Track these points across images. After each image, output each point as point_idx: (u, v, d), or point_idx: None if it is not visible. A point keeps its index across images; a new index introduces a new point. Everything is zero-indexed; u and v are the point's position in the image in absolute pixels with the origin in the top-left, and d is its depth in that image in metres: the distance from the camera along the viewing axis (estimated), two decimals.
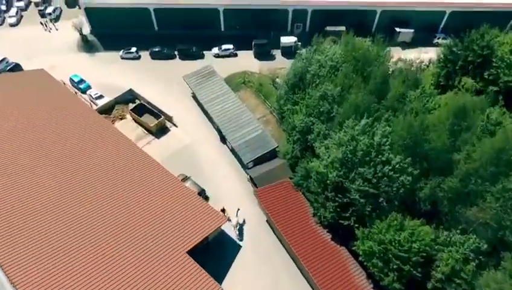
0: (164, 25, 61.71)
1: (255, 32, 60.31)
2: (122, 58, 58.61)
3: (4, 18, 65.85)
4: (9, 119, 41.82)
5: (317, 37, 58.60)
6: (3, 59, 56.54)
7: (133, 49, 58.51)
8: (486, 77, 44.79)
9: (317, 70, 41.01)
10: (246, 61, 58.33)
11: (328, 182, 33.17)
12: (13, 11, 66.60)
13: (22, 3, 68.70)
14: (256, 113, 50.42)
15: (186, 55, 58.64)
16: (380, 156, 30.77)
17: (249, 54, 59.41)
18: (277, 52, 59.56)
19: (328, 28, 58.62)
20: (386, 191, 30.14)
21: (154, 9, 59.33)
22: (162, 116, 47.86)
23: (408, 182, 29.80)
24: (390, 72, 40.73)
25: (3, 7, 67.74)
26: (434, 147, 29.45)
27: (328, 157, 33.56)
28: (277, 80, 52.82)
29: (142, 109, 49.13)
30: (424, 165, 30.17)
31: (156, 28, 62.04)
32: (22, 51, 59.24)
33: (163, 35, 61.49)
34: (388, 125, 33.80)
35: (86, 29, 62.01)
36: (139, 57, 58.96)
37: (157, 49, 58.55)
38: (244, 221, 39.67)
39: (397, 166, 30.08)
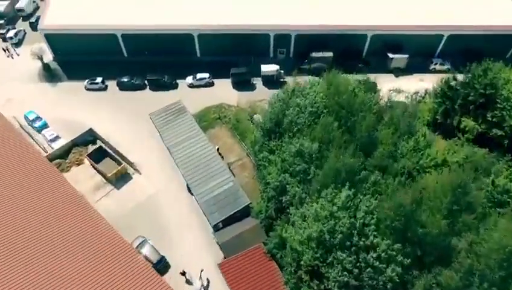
0: (134, 51, 56.11)
1: (235, 57, 54.85)
2: (87, 89, 52.95)
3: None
4: None
5: (302, 65, 53.83)
6: None
7: (99, 79, 52.89)
8: (490, 118, 39.33)
9: (295, 116, 35.45)
10: (224, 91, 52.74)
11: (302, 263, 27.73)
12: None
13: None
14: (230, 155, 44.97)
15: (158, 86, 53.04)
16: (363, 240, 25.32)
17: (227, 82, 53.76)
18: (258, 81, 54.17)
19: (314, 54, 53.17)
20: (370, 284, 24.68)
21: (122, 35, 53.74)
22: (123, 163, 42.37)
23: (397, 275, 24.34)
24: (378, 119, 35.16)
25: None
26: (429, 232, 24.03)
27: (303, 232, 28.09)
28: (255, 116, 47.25)
29: (102, 153, 43.61)
30: (416, 253, 24.75)
31: (126, 54, 56.43)
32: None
33: (134, 62, 55.92)
34: (375, 192, 28.36)
35: (48, 57, 56.48)
36: (105, 88, 53.33)
37: (125, 80, 52.97)
38: (208, 282, 34.39)
39: (384, 254, 24.62)
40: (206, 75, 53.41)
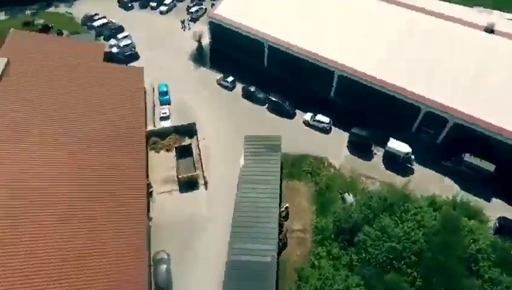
0: (274, 64, 54.37)
1: (368, 111, 46.79)
2: (218, 83, 54.79)
3: (162, 4, 70.80)
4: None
5: (446, 161, 41.60)
6: (108, 23, 64.24)
7: (230, 78, 53.76)
8: None
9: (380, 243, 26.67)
10: (335, 144, 45.76)
11: None
12: (169, 0, 70.97)
13: None
14: (296, 221, 38.96)
15: (276, 108, 50.22)
16: None
17: (343, 136, 46.48)
18: (379, 151, 44.74)
19: (468, 159, 39.78)
20: None
21: (269, 46, 52.40)
22: (197, 172, 42.12)
23: None
24: None
25: None
26: None
27: None
28: (348, 196, 39.03)
29: (188, 152, 44.50)
30: None
31: (266, 64, 55.29)
32: (149, 38, 62.78)
33: (270, 74, 54.65)
34: None
35: (205, 41, 60.69)
36: (232, 88, 53.97)
37: (251, 89, 52.09)
38: None
39: None
40: (327, 120, 47.25)
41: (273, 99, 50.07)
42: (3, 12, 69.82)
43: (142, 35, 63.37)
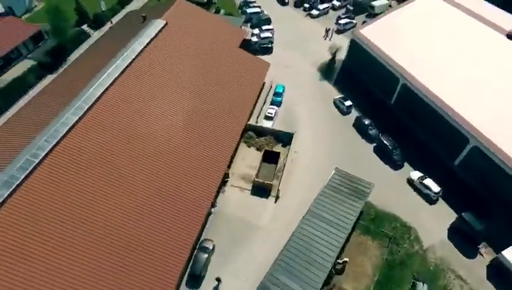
0: (402, 104, 48.41)
1: (500, 200, 37.81)
2: (334, 104, 51.92)
3: (315, 8, 70.65)
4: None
5: None
6: (259, 12, 66.94)
7: (348, 103, 50.20)
8: None
9: None
10: (434, 220, 38.48)
11: None
12: (324, 5, 70.05)
13: (337, 3, 71.00)
14: (349, 281, 34.40)
15: (382, 150, 44.94)
16: None
17: (450, 216, 38.49)
18: (487, 254, 35.61)
19: None
20: None
21: (403, 84, 46.62)
22: (272, 183, 41.01)
23: None
24: None
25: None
26: None
27: None
28: (420, 284, 32.35)
29: (274, 159, 43.67)
30: None
31: (393, 101, 49.61)
32: (290, 36, 63.55)
33: (393, 114, 49.16)
34: None
35: (340, 57, 57.91)
36: (346, 113, 50.46)
37: (365, 122, 47.62)
38: None
39: None
40: (437, 189, 39.87)
41: (384, 141, 44.81)
42: None
43: (284, 33, 64.62)
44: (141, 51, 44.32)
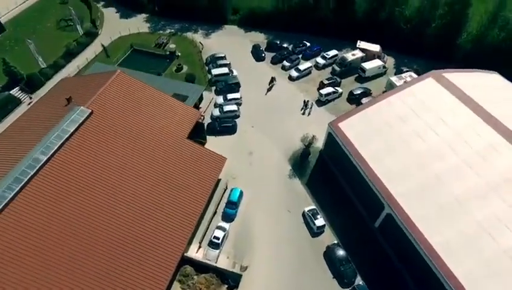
0: (388, 234, 37.29)
1: None
2: (302, 216, 40.95)
3: (293, 67, 59.43)
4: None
5: None
6: (228, 74, 56.38)
7: (320, 221, 39.20)
8: None
9: None
10: None
11: None
12: (305, 65, 58.70)
13: (321, 61, 59.66)
14: None
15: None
16: None
17: None
18: None
19: None
20: None
21: (387, 214, 35.53)
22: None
23: None
24: None
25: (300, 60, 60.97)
26: None
27: None
28: None
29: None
30: None
31: (377, 225, 38.43)
32: (260, 107, 52.72)
33: (376, 242, 38.12)
34: None
35: (317, 146, 46.83)
36: (318, 233, 39.34)
37: (340, 254, 36.66)
38: None
39: None
40: None
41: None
42: (153, 23, 69.28)
43: (254, 101, 54.01)
44: (54, 152, 34.74)
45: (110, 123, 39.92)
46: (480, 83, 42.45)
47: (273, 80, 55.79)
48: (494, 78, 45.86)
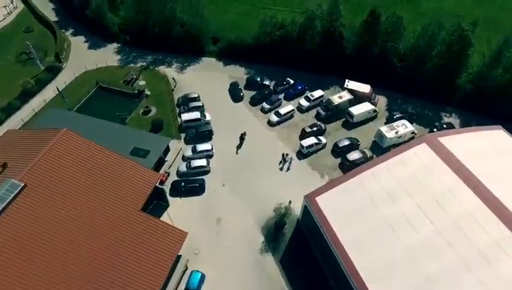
0: None
1: None
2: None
3: (273, 109, 53.48)
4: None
5: None
6: (200, 119, 50.38)
7: None
8: None
9: None
10: None
11: None
12: (287, 109, 52.61)
13: (305, 104, 53.59)
14: None
15: None
16: None
17: None
18: None
19: None
20: None
21: None
22: None
23: None
24: None
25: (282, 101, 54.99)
26: None
27: None
28: None
29: None
30: None
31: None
32: (235, 161, 46.90)
33: None
34: None
35: (292, 218, 40.81)
36: None
37: None
38: None
39: None
40: None
41: None
42: (124, 55, 63.27)
43: (227, 152, 48.03)
44: None
45: (48, 198, 34.21)
46: (482, 148, 36.35)
47: (243, 135, 49.28)
48: (498, 137, 39.86)
